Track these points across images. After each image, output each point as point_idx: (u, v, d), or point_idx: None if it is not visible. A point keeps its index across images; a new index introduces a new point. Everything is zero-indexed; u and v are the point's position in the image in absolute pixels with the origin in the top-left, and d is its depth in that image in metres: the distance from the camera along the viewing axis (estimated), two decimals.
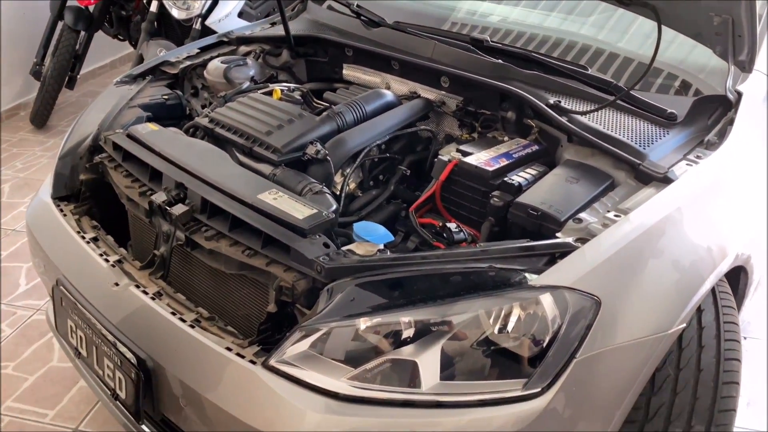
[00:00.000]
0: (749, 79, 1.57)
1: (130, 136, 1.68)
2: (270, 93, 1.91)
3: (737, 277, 1.56)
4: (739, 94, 1.53)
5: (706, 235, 1.38)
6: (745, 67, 1.53)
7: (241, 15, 3.66)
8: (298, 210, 1.34)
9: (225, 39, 2.27)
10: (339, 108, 1.73)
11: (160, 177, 1.54)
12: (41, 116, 3.95)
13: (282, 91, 1.93)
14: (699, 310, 1.34)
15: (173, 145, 1.62)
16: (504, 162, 1.54)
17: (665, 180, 1.36)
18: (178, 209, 1.42)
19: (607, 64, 1.87)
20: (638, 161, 1.40)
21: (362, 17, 2.11)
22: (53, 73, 3.79)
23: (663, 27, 1.40)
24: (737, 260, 1.46)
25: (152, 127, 1.71)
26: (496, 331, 1.13)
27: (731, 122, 1.51)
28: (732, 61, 1.49)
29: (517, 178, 1.46)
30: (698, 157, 1.44)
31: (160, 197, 1.46)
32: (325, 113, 1.72)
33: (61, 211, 1.71)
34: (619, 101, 1.58)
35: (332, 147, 1.63)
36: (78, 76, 4.05)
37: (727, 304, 1.41)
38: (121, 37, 4.21)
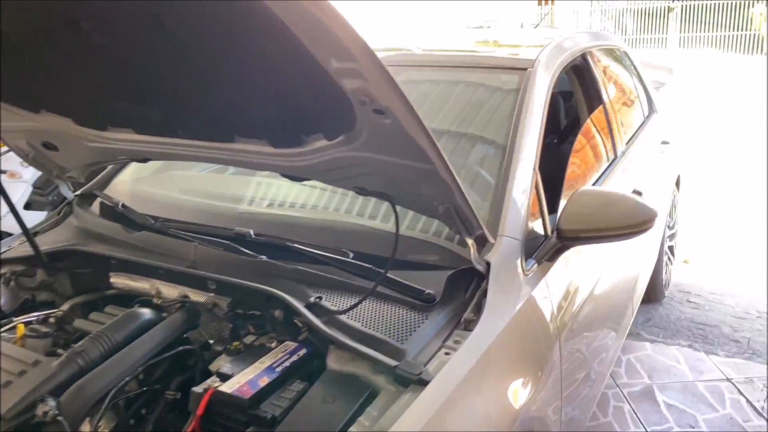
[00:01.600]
0: (494, 246, 1.60)
1: None
2: (14, 329, 1.69)
3: None
4: (488, 264, 1.54)
5: (477, 426, 1.32)
6: (485, 240, 1.55)
7: (29, 206, 3.39)
8: None
9: None
10: (81, 345, 1.53)
11: None
12: None
13: (28, 323, 1.71)
14: None
15: None
16: (265, 381, 1.40)
17: (421, 382, 1.29)
18: None
19: (386, 219, 1.85)
20: (394, 363, 1.33)
21: (123, 221, 1.98)
22: None
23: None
24: None
25: None
26: None
27: (485, 294, 1.50)
28: (469, 238, 1.50)
29: (272, 408, 1.33)
30: (456, 342, 1.40)
31: None
32: (64, 355, 1.52)
33: None
34: (379, 287, 1.53)
35: (71, 398, 1.41)
36: None
37: None
38: None
